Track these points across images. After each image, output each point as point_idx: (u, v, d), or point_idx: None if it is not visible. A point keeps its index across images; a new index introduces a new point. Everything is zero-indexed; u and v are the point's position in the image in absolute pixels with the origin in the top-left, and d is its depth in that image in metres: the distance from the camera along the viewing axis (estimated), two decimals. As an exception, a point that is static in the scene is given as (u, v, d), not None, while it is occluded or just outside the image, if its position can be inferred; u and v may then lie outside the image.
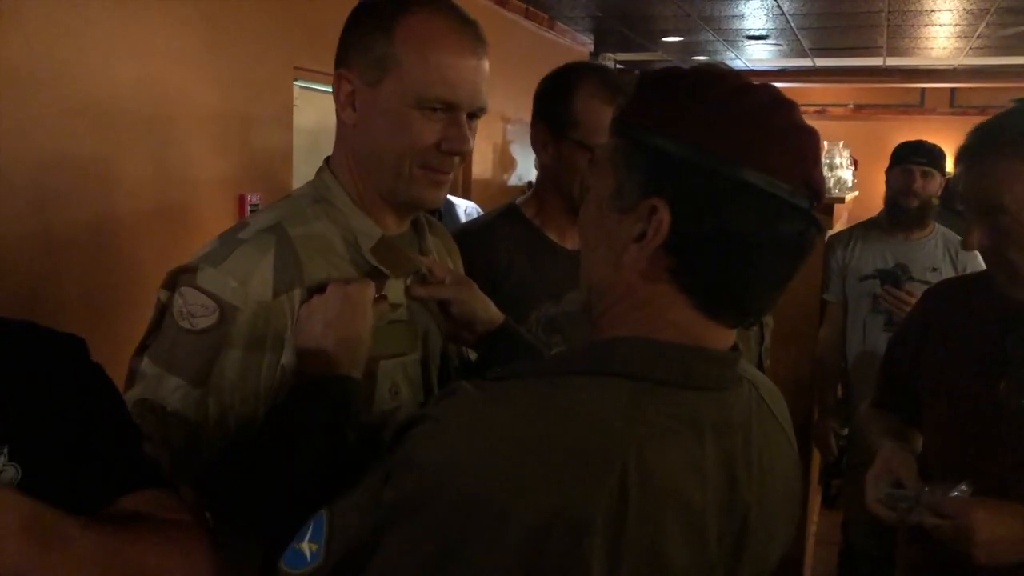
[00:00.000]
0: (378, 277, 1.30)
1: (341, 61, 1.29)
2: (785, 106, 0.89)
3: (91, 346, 1.10)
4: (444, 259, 1.48)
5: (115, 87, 2.52)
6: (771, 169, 0.84)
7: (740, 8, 5.35)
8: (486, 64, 1.28)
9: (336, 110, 1.31)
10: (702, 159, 0.84)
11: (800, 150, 0.87)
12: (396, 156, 1.25)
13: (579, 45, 6.67)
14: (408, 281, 1.34)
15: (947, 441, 1.66)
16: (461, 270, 1.54)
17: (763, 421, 0.97)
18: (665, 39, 6.58)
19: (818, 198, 0.88)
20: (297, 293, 1.20)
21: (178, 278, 1.20)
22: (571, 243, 1.86)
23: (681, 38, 6.49)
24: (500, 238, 1.85)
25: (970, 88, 8.50)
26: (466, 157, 1.30)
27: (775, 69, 8.06)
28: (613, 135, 0.93)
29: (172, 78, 2.72)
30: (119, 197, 2.55)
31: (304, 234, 1.24)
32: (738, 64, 7.56)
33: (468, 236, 1.87)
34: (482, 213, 4.16)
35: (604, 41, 6.86)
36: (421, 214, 1.43)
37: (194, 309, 1.17)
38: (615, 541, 0.79)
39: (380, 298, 1.26)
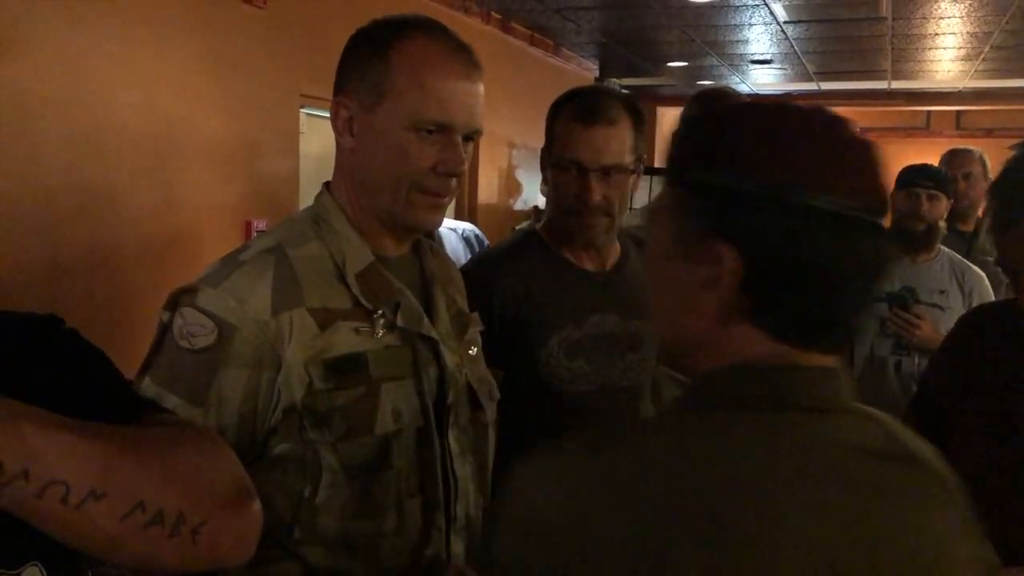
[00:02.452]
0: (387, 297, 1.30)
1: (339, 88, 1.31)
2: (838, 123, 0.86)
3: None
4: (446, 285, 1.47)
5: (122, 115, 2.53)
6: (838, 189, 0.81)
7: (744, 33, 5.37)
8: (480, 87, 1.30)
9: (335, 136, 1.33)
10: (766, 192, 0.81)
11: (862, 164, 0.85)
12: (394, 180, 1.27)
13: (584, 70, 6.71)
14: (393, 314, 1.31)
15: (974, 470, 1.62)
16: (464, 296, 1.53)
17: (901, 470, 0.86)
18: (670, 64, 6.61)
19: (886, 208, 0.86)
20: (296, 313, 1.21)
21: (179, 299, 1.21)
22: (589, 264, 1.87)
23: (686, 63, 6.52)
24: (518, 264, 1.85)
25: (976, 110, 8.52)
26: (462, 179, 1.31)
27: (780, 93, 8.08)
28: (667, 184, 0.90)
29: (179, 106, 2.74)
30: (126, 223, 2.56)
31: (302, 255, 1.26)
32: (743, 88, 7.58)
33: (486, 263, 1.88)
34: (479, 234, 4.18)
35: (609, 66, 6.90)
36: (422, 237, 1.43)
37: (193, 328, 1.18)
38: None
39: (370, 314, 1.26)
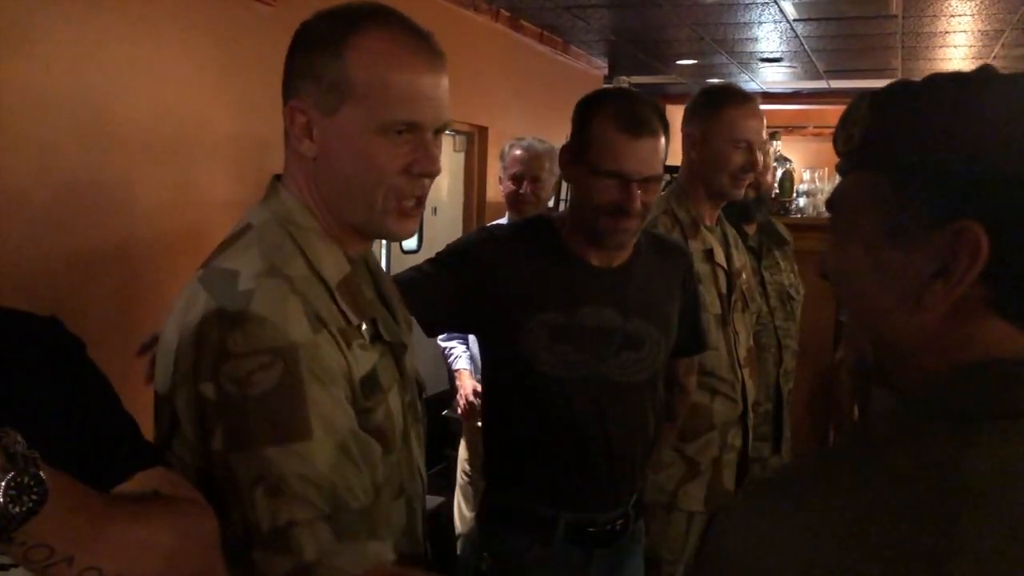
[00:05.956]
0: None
1: (290, 92, 1.21)
2: None
3: (112, 367, 1.11)
4: (387, 281, 1.41)
5: (134, 111, 2.55)
6: None
7: (754, 31, 5.37)
8: (445, 78, 1.21)
9: (291, 144, 1.23)
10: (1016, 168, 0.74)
11: None
12: (367, 188, 1.19)
13: (594, 69, 6.70)
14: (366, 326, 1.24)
15: None
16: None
17: None
18: (679, 62, 6.61)
19: None
20: (323, 336, 1.14)
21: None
22: (595, 259, 1.89)
23: (695, 61, 6.52)
24: (520, 240, 1.93)
25: (986, 109, 8.48)
26: (435, 178, 1.24)
27: (790, 91, 8.06)
28: (861, 168, 0.83)
29: (190, 102, 2.75)
30: (139, 220, 2.58)
31: (298, 276, 1.18)
32: (752, 86, 7.57)
33: (494, 234, 2.00)
34: None
35: (618, 64, 6.89)
36: None
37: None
38: None
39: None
